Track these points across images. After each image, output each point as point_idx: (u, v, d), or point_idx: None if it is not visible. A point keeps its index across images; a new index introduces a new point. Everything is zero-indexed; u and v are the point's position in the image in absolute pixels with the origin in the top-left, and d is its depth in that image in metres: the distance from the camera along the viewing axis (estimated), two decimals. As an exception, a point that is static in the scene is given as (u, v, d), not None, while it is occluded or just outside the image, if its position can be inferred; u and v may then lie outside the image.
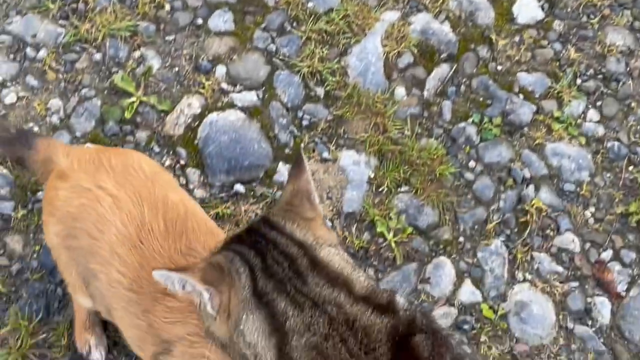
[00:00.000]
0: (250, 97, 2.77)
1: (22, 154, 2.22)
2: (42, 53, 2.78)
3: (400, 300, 1.65)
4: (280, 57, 2.85)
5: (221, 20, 2.90)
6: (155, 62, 2.83)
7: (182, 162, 2.70)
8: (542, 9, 2.97)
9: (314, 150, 2.75)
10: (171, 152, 2.70)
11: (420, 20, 2.88)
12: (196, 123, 2.71)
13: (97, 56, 2.83)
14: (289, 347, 1.54)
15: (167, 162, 2.68)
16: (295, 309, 1.54)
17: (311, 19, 2.87)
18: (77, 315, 2.38)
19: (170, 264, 1.82)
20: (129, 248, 1.88)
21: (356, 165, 2.71)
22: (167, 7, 2.91)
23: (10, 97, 2.76)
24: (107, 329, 2.44)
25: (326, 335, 1.50)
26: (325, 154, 2.74)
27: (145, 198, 1.94)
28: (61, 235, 2.04)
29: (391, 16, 2.88)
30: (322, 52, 2.84)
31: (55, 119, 2.76)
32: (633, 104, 2.81)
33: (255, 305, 1.55)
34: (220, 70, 2.82)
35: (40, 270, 2.48)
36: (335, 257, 1.62)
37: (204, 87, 2.77)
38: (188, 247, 1.87)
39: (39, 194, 2.60)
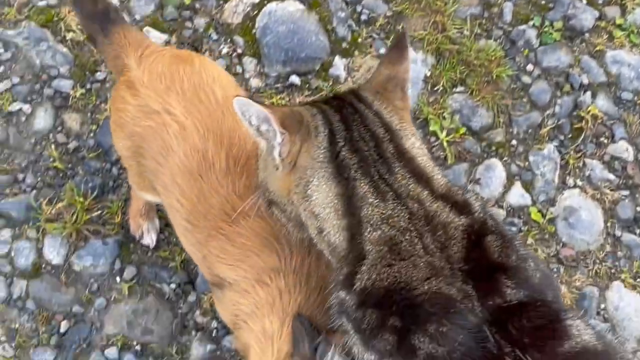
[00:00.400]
0: None
1: (97, 37, 2.10)
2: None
3: (474, 200, 1.60)
4: None
5: None
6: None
7: (239, 50, 2.61)
8: None
9: (371, 46, 2.64)
10: (229, 41, 2.63)
11: None
12: (255, 12, 2.63)
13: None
14: (360, 238, 1.48)
15: (225, 50, 2.60)
16: (377, 198, 1.48)
17: None
18: (133, 202, 2.35)
19: (226, 204, 1.78)
20: (188, 180, 1.84)
21: (413, 63, 2.53)
22: None
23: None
24: (160, 210, 2.36)
25: (404, 231, 1.46)
26: (382, 50, 2.65)
27: (212, 130, 1.87)
28: (130, 150, 1.99)
29: None
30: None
31: (115, 0, 2.67)
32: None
33: (332, 175, 1.49)
34: None
35: (97, 149, 2.45)
36: (419, 150, 1.57)
37: None
38: (247, 188, 1.80)
39: (98, 74, 2.53)
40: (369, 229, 1.48)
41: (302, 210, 1.56)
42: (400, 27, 2.70)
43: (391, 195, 1.50)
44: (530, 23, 2.67)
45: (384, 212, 1.48)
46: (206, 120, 1.85)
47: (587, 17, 2.66)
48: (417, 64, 2.61)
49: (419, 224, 1.48)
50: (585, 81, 2.63)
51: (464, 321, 1.39)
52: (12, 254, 2.35)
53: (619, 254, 2.42)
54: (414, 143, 1.56)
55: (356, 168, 1.50)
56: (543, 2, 2.73)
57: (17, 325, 2.30)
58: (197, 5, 2.68)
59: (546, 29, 2.67)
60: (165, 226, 2.41)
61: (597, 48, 2.66)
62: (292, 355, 1.63)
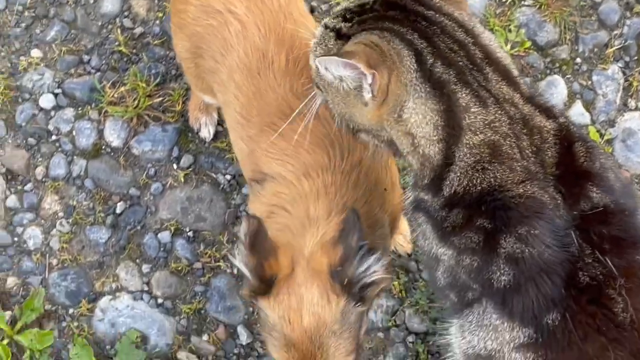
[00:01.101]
0: None
1: None
2: None
3: (557, 106, 1.55)
4: None
5: None
6: None
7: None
8: None
9: None
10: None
11: None
12: None
13: None
14: (457, 145, 1.40)
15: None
16: (479, 105, 1.38)
17: None
18: (193, 96, 2.28)
19: (282, 102, 1.72)
20: (246, 76, 1.77)
21: None
22: None
23: None
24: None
25: (505, 135, 1.39)
26: None
27: (273, 30, 1.78)
28: (190, 51, 1.96)
29: None
30: None
31: None
32: None
33: (430, 94, 1.38)
34: None
35: (162, 37, 2.35)
36: (499, 50, 1.46)
37: None
38: (304, 89, 1.68)
39: None
40: (469, 135, 1.38)
41: (396, 132, 1.45)
42: None
43: (492, 101, 1.40)
44: None
45: (486, 117, 1.38)
46: (268, 21, 1.76)
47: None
48: None
49: (517, 127, 1.39)
50: None
51: (552, 225, 1.34)
52: (74, 133, 2.28)
53: (675, 178, 2.33)
54: (491, 40, 1.45)
55: (455, 81, 1.39)
56: None
57: (74, 203, 2.24)
58: None
59: None
60: (224, 120, 2.26)
61: (670, -32, 2.72)
62: (337, 242, 1.52)
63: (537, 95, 1.54)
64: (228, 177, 2.30)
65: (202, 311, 2.16)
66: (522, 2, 2.46)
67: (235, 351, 2.14)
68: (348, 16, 1.44)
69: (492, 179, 1.37)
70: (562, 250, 1.35)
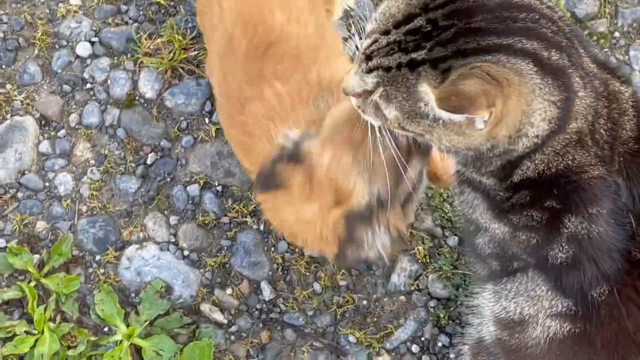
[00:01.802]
0: None
1: None
2: None
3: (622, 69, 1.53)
4: None
5: None
6: None
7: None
8: None
9: None
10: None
11: None
12: None
13: None
14: (558, 135, 1.26)
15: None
16: (582, 87, 1.25)
17: None
18: None
19: (237, 90, 1.70)
20: (219, 60, 1.78)
21: None
22: None
23: None
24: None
25: (594, 117, 1.28)
26: None
27: (241, 15, 1.72)
28: (203, 29, 1.95)
29: None
30: None
31: None
32: None
33: (551, 86, 1.20)
34: None
35: None
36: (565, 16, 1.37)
37: None
38: (260, 76, 1.67)
39: None
40: (572, 124, 1.27)
41: (498, 139, 1.26)
42: None
43: (587, 80, 1.26)
44: None
45: (586, 101, 1.26)
46: (240, 6, 1.71)
47: None
48: None
49: (601, 105, 1.29)
50: None
51: (616, 206, 1.27)
52: (109, 82, 2.14)
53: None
54: (558, 9, 1.29)
55: (569, 65, 1.24)
56: None
57: (106, 151, 2.10)
58: None
59: None
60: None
61: None
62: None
63: (607, 61, 1.45)
64: (260, 135, 2.25)
65: (227, 265, 2.05)
66: (563, -25, 2.51)
67: (258, 306, 2.01)
68: (411, 44, 1.21)
69: (570, 162, 1.28)
70: (621, 229, 1.27)
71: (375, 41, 1.25)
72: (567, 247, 1.32)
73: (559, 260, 1.34)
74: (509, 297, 1.49)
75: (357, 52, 1.30)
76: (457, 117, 1.16)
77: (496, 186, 1.37)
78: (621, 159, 1.31)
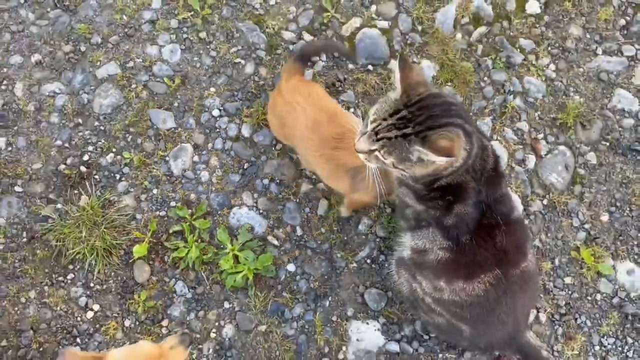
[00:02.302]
0: (384, 24, 2.75)
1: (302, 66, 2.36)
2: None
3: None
4: (404, 7, 2.74)
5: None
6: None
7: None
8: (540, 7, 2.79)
9: (410, 56, 2.65)
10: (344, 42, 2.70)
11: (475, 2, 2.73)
12: (356, 31, 2.73)
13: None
14: (464, 167, 1.73)
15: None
16: (474, 143, 1.73)
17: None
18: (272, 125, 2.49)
19: (326, 140, 2.10)
20: (309, 131, 2.14)
21: (426, 67, 2.64)
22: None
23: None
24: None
25: (475, 157, 1.75)
26: (414, 59, 2.63)
27: (317, 108, 2.16)
28: (278, 124, 2.32)
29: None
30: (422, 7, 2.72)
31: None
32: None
33: (467, 143, 1.70)
34: (373, 7, 2.77)
35: (273, 87, 2.56)
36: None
37: (363, 14, 2.74)
38: (339, 132, 2.09)
39: (278, 50, 2.70)
40: (470, 160, 1.74)
41: (435, 169, 1.73)
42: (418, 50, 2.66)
43: (478, 141, 1.74)
44: (491, 56, 2.72)
45: (475, 150, 1.73)
46: (314, 107, 2.15)
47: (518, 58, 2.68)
48: (429, 69, 2.68)
49: (479, 151, 1.75)
50: (511, 89, 2.68)
51: (478, 199, 1.77)
52: (227, 128, 2.54)
53: None
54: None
55: (473, 130, 1.73)
56: (497, 46, 2.74)
57: (224, 161, 2.53)
58: (330, 25, 2.75)
59: (497, 61, 2.71)
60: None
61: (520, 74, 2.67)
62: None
63: (478, 127, 1.82)
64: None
65: (280, 218, 2.51)
66: (446, 85, 2.62)
67: (294, 238, 2.49)
68: (401, 125, 1.65)
69: (463, 179, 1.76)
70: (478, 209, 1.78)
71: (379, 124, 1.66)
72: (454, 217, 1.78)
73: (448, 223, 1.79)
74: (419, 238, 1.91)
75: (365, 129, 1.75)
76: (441, 159, 1.57)
77: (422, 190, 1.81)
78: (485, 178, 1.76)
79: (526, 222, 2.49)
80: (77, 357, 1.86)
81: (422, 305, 2.00)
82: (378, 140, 1.64)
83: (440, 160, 1.54)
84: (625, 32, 2.74)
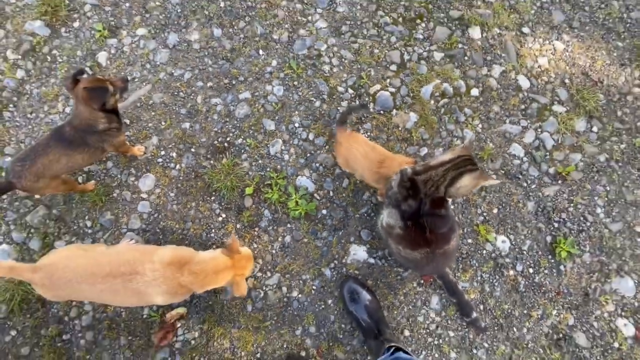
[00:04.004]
0: (392, 89, 2.78)
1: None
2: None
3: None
4: (405, 82, 2.77)
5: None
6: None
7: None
8: (478, 92, 2.73)
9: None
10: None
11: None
12: (377, 91, 2.80)
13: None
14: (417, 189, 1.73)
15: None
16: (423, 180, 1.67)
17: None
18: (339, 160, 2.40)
19: (376, 162, 2.09)
20: (364, 156, 2.16)
21: None
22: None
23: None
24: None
25: (424, 183, 1.72)
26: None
27: (363, 146, 2.20)
28: (344, 162, 2.37)
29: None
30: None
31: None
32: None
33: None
34: (388, 80, 2.80)
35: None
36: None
37: (382, 82, 2.78)
38: (380, 158, 2.12)
39: (334, 96, 2.77)
40: (421, 187, 1.72)
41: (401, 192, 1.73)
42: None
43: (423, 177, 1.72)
44: (447, 115, 2.67)
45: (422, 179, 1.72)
46: (362, 146, 2.22)
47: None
48: (414, 118, 2.73)
49: (427, 182, 1.75)
50: (456, 134, 2.63)
51: (418, 201, 1.77)
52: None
53: None
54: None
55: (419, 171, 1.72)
56: (452, 110, 2.68)
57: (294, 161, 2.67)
58: (363, 86, 2.78)
59: (450, 118, 2.67)
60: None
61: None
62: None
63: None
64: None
65: (322, 185, 2.67)
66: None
67: (328, 197, 2.63)
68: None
69: (418, 192, 1.77)
70: (414, 207, 1.75)
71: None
72: (407, 206, 1.81)
73: (404, 208, 1.81)
74: (389, 215, 1.92)
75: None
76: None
77: (398, 195, 1.83)
78: (427, 193, 1.74)
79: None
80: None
81: (391, 247, 2.07)
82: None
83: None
84: (524, 112, 2.78)
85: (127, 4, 2.76)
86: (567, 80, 2.70)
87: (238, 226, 2.56)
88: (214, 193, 2.59)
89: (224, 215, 2.59)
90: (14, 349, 2.19)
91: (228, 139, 2.70)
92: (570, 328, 2.36)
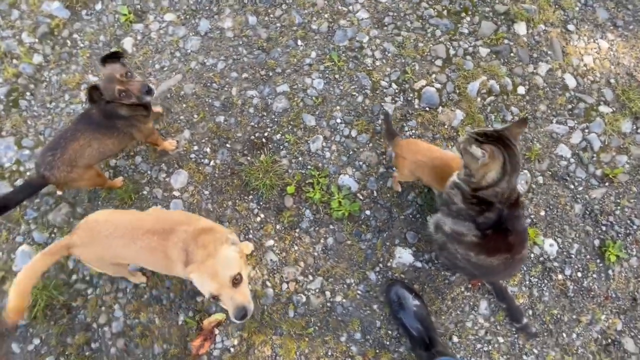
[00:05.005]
0: (438, 85, 2.64)
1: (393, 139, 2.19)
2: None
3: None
4: (451, 78, 2.62)
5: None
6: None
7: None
8: (525, 91, 2.58)
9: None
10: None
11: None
12: (422, 87, 2.62)
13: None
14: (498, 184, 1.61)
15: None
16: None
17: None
18: (400, 176, 2.26)
19: (446, 174, 1.91)
20: (429, 166, 2.03)
21: None
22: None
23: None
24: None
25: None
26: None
27: (425, 152, 2.07)
28: (409, 173, 2.19)
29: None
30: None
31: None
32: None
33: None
34: (433, 75, 2.65)
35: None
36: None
37: (427, 78, 2.63)
38: (450, 166, 1.95)
39: (377, 90, 2.62)
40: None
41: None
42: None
43: (510, 185, 1.63)
44: (494, 113, 2.51)
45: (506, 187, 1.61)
46: (423, 153, 2.08)
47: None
48: (460, 115, 2.56)
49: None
50: None
51: (496, 212, 1.65)
52: None
53: None
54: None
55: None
56: (498, 108, 2.54)
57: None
58: (408, 81, 2.62)
59: (497, 116, 2.50)
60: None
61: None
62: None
63: None
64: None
65: (366, 184, 2.49)
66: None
67: (371, 197, 2.43)
68: (481, 139, 1.56)
69: (492, 204, 1.64)
70: (493, 218, 1.63)
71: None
72: (485, 218, 1.67)
73: (480, 221, 1.68)
74: (459, 225, 1.78)
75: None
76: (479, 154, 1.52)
77: (468, 191, 1.69)
78: (508, 204, 1.64)
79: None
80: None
81: (451, 251, 1.89)
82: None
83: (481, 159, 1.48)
84: (571, 112, 2.63)
85: (149, -15, 2.45)
86: (612, 80, 2.56)
87: (277, 227, 2.42)
88: (251, 192, 2.45)
89: (262, 216, 2.45)
90: (37, 359, 2.00)
91: (266, 134, 2.55)
92: (619, 333, 2.24)
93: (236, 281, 1.43)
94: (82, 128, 1.84)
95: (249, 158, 2.47)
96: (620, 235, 2.37)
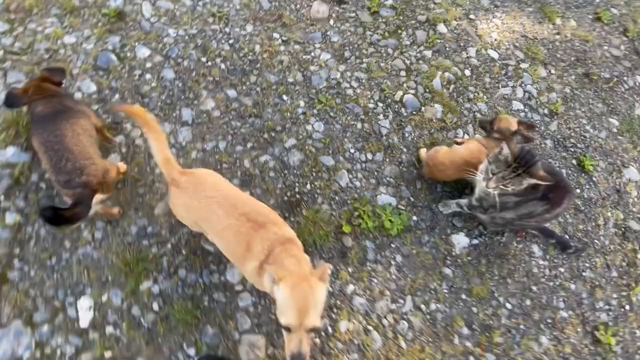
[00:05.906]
0: (412, 91, 2.78)
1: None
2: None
3: None
4: (417, 82, 2.77)
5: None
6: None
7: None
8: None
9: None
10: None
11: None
12: (402, 97, 2.74)
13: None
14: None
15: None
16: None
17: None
18: (427, 169, 2.37)
19: (464, 165, 2.06)
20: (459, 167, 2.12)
21: None
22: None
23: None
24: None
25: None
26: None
27: (451, 156, 2.20)
28: (434, 176, 2.30)
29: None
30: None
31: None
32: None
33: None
34: (404, 85, 2.77)
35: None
36: None
37: (402, 88, 2.76)
38: (465, 158, 2.06)
39: (369, 113, 2.68)
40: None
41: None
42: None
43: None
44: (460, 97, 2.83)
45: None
46: (448, 157, 2.21)
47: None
48: (439, 111, 2.80)
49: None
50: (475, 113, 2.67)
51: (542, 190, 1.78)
52: None
53: None
54: None
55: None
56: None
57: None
58: (388, 96, 2.76)
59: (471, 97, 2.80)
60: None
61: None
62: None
63: None
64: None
65: (401, 195, 2.54)
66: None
67: (411, 203, 2.48)
68: (515, 169, 1.72)
69: (538, 186, 1.75)
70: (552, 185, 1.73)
71: (502, 173, 1.74)
72: (540, 194, 1.79)
73: (538, 196, 1.82)
74: (524, 208, 1.94)
75: (489, 176, 1.80)
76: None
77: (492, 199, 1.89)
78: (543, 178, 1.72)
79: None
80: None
81: (500, 220, 2.07)
82: (505, 179, 1.79)
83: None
84: (506, 75, 2.88)
85: (117, 96, 2.39)
86: (517, 44, 2.93)
87: (350, 270, 2.31)
88: (309, 249, 2.30)
89: (331, 267, 2.09)
90: None
91: (296, 190, 2.45)
92: (624, 221, 2.56)
93: (314, 330, 1.36)
94: (51, 127, 1.69)
95: (291, 219, 2.33)
96: (584, 149, 2.71)
